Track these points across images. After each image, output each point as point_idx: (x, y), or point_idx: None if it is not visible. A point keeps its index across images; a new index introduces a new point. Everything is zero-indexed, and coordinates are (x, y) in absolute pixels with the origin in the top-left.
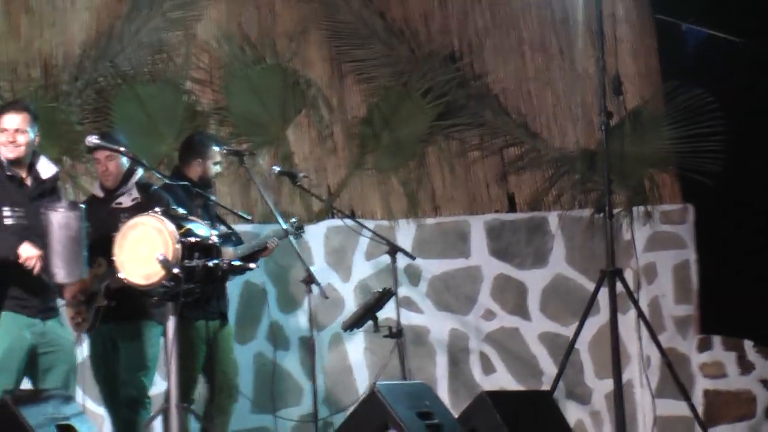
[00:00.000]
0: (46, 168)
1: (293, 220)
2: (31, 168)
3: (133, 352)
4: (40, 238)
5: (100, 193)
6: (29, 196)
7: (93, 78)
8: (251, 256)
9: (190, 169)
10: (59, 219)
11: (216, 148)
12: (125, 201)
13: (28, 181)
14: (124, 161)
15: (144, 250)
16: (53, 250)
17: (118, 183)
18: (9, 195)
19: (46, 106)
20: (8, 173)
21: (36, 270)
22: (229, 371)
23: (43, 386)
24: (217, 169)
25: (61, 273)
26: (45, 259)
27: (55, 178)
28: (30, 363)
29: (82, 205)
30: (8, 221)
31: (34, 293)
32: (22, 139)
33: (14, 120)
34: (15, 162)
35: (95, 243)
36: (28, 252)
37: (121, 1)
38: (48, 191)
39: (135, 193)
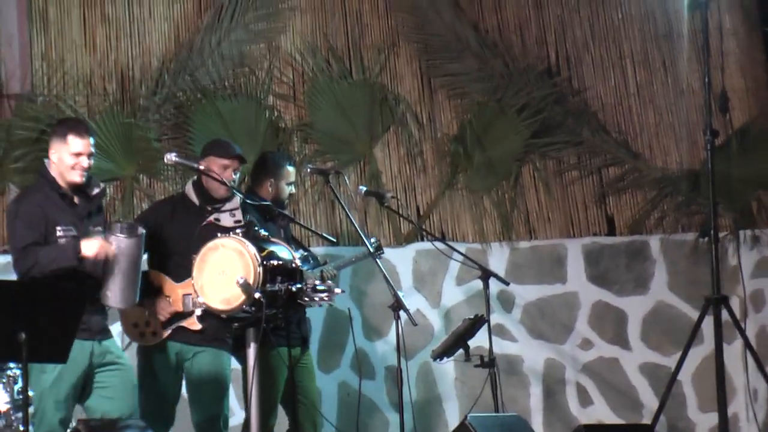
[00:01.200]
0: (93, 185)
1: (372, 240)
2: (79, 186)
3: (209, 380)
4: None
5: (195, 200)
6: (80, 215)
7: (172, 92)
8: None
9: (262, 188)
10: (119, 244)
11: (290, 168)
12: (225, 220)
13: (77, 200)
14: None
15: (224, 273)
16: (109, 273)
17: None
18: (62, 214)
19: (123, 121)
20: (61, 192)
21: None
22: (312, 400)
23: (100, 404)
24: (291, 190)
25: (114, 298)
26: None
27: (101, 195)
28: (83, 388)
29: (142, 230)
30: (61, 241)
31: (92, 314)
32: (90, 163)
33: (86, 145)
34: (75, 185)
35: (185, 257)
36: (89, 248)
37: (202, 12)
38: (96, 210)
39: (239, 215)
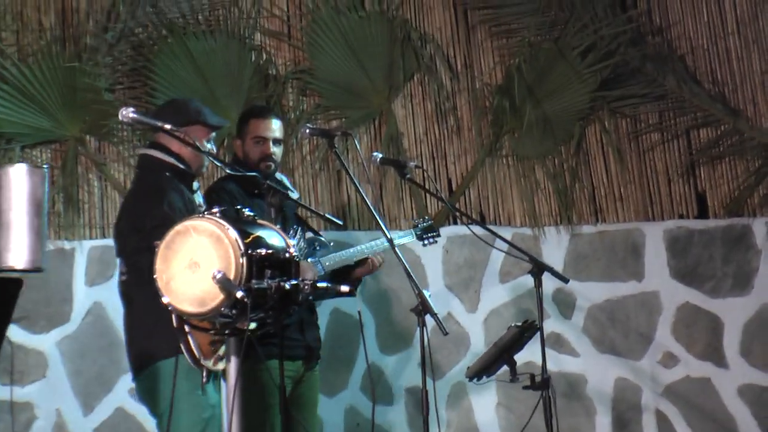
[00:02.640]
0: None
1: (425, 222)
2: None
3: None
4: None
5: (183, 167)
6: None
7: (128, 28)
8: (344, 274)
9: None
10: (16, 177)
11: (262, 120)
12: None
13: None
14: None
15: (197, 265)
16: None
17: None
18: None
19: (65, 66)
20: None
21: None
22: None
23: None
24: (271, 149)
25: (15, 255)
26: None
27: None
28: None
29: (45, 166)
30: None
31: None
32: None
33: None
34: None
35: None
36: None
37: None
38: None
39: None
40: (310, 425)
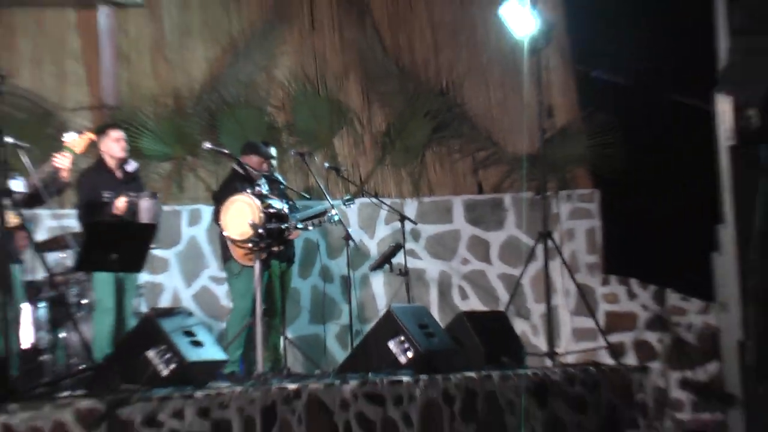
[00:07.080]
0: (131, 165)
1: (348, 197)
2: (121, 165)
3: None
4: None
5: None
6: (120, 183)
7: (207, 104)
8: (312, 220)
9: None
10: (146, 205)
11: (270, 152)
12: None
13: (119, 174)
14: None
15: (241, 216)
16: None
17: None
18: (107, 183)
19: (176, 123)
20: (108, 167)
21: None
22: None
23: None
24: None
25: None
26: None
27: (136, 172)
28: None
29: (159, 194)
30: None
31: None
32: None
33: (122, 134)
34: (121, 159)
35: None
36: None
37: (227, 53)
38: (131, 180)
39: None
40: (283, 295)
